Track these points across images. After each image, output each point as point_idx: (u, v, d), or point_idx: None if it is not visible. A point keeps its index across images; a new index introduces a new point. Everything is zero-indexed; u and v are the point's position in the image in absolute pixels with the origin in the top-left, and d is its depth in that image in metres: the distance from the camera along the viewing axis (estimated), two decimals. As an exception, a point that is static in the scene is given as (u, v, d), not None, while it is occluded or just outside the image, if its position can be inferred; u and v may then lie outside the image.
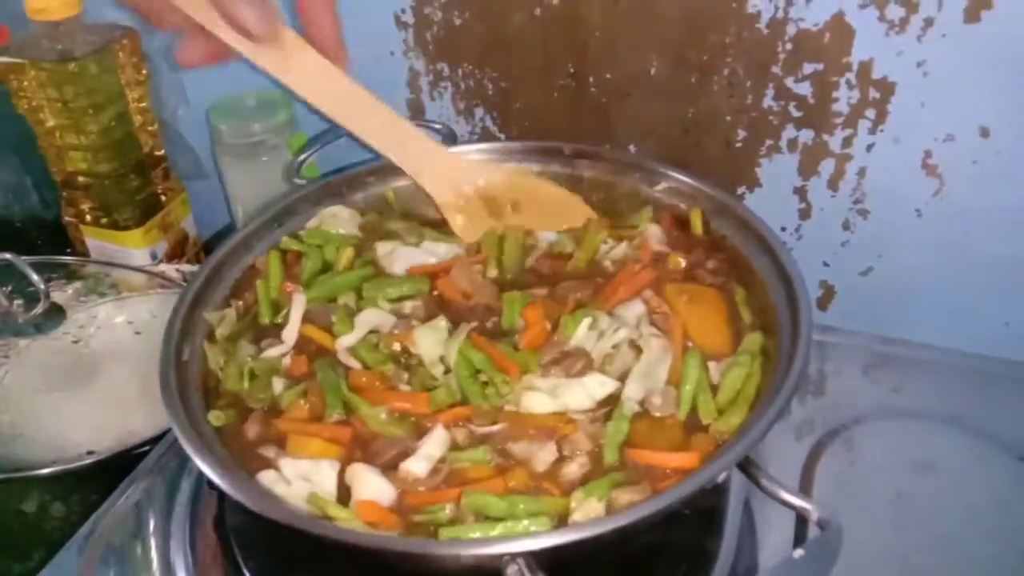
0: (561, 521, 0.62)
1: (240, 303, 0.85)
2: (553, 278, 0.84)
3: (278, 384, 0.76)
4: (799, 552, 0.52)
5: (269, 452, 0.71)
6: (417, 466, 0.67)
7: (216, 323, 0.82)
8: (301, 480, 0.68)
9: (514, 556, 0.52)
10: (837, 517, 0.54)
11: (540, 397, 0.70)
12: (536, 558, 0.52)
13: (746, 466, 0.57)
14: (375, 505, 0.65)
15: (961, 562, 0.74)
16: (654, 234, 0.87)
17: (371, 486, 0.66)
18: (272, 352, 0.79)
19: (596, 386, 0.71)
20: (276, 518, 0.58)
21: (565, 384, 0.71)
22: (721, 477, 0.57)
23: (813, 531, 0.55)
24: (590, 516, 0.61)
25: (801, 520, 0.74)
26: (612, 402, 0.71)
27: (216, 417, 0.73)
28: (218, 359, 0.78)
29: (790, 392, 0.60)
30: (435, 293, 0.83)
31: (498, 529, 0.60)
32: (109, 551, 0.80)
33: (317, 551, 0.70)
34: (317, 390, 0.74)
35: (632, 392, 0.70)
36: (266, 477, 0.69)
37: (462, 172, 0.91)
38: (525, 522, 0.61)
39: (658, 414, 0.70)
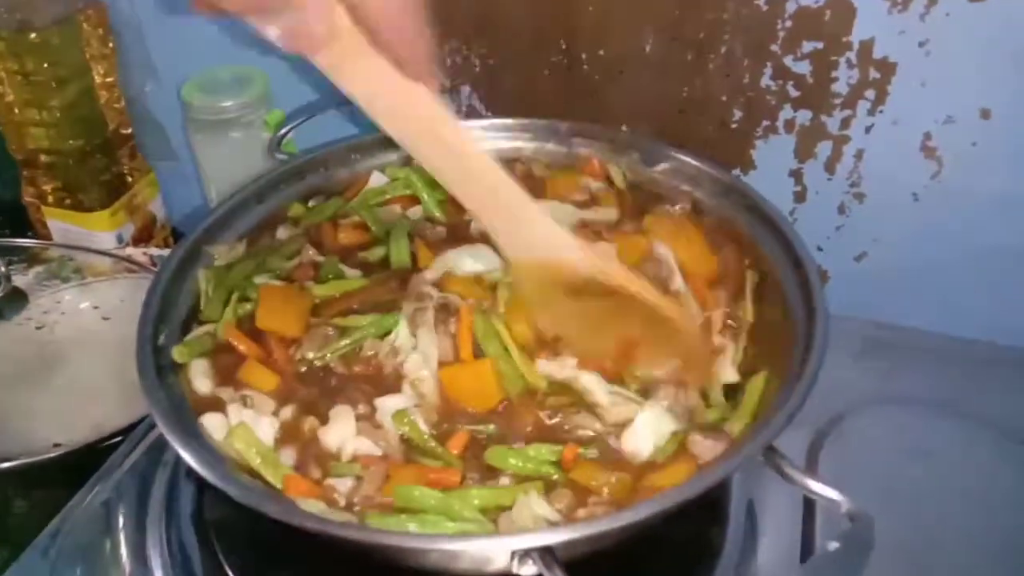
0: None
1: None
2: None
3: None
4: (834, 545, 0.49)
5: (224, 393, 0.70)
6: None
7: (222, 255, 0.80)
8: None
9: (528, 551, 0.49)
10: (867, 508, 0.51)
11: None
12: (552, 552, 0.49)
13: (770, 454, 0.54)
14: (300, 480, 0.63)
15: (970, 550, 0.73)
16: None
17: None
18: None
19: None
20: (266, 512, 0.54)
21: None
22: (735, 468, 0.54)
23: (843, 523, 0.52)
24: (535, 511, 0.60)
25: (808, 512, 0.73)
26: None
27: (180, 353, 0.71)
28: (207, 286, 0.77)
29: (812, 375, 0.58)
30: None
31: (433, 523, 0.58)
32: (79, 549, 0.76)
33: (303, 544, 0.66)
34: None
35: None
36: (211, 420, 0.67)
37: (553, 248, 0.69)
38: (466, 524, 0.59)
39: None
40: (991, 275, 0.95)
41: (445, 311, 0.73)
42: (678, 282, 0.74)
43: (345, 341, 0.72)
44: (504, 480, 0.63)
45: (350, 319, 0.74)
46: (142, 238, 1.20)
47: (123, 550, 0.76)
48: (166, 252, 1.15)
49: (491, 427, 0.67)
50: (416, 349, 0.70)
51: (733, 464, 0.54)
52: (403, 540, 0.54)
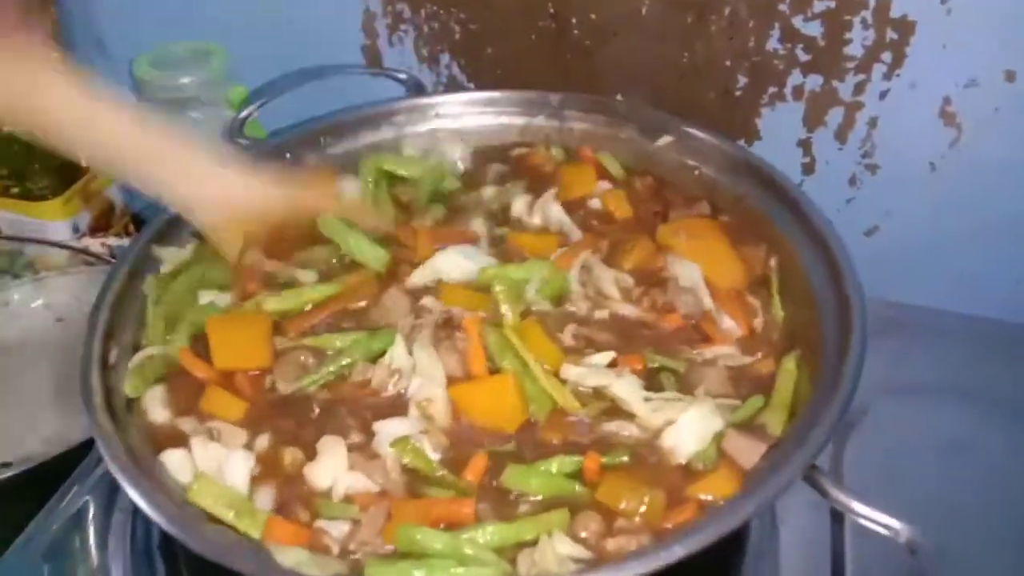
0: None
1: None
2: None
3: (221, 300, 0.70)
4: (895, 588, 0.43)
5: (186, 424, 0.62)
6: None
7: (169, 258, 0.73)
8: (212, 469, 0.59)
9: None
10: (928, 537, 0.45)
11: None
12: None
13: (811, 472, 0.48)
14: (284, 524, 0.56)
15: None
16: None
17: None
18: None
19: None
20: (239, 570, 0.47)
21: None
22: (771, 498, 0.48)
23: (901, 552, 0.46)
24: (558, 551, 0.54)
25: (836, 521, 0.67)
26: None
27: (132, 387, 0.64)
28: (154, 293, 0.70)
29: (852, 382, 0.51)
30: None
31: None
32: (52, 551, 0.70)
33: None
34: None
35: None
36: (172, 458, 0.59)
37: (238, 197, 0.71)
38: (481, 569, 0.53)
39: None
40: (1012, 249, 0.91)
41: (447, 326, 0.66)
42: (707, 303, 0.69)
43: (328, 368, 0.64)
44: (524, 507, 0.57)
45: (324, 339, 0.66)
46: (100, 227, 1.13)
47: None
48: (126, 242, 1.08)
49: (510, 445, 0.61)
50: (416, 370, 0.63)
51: (767, 494, 0.48)
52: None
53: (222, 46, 1.00)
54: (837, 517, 0.66)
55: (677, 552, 0.45)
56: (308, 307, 0.69)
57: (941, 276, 0.93)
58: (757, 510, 0.48)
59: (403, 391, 0.63)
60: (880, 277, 0.93)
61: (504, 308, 0.66)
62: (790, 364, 0.63)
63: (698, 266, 0.70)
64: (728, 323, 0.68)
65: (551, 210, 0.78)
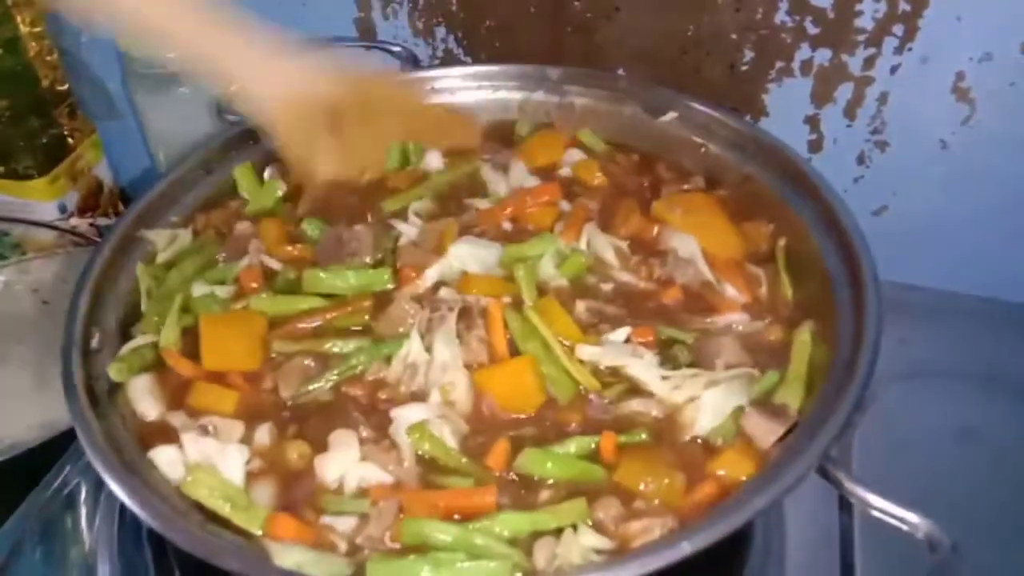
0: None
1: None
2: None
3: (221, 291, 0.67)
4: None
5: (176, 419, 0.60)
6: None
7: (163, 245, 0.71)
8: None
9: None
10: (947, 533, 0.43)
11: None
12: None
13: (827, 466, 0.46)
14: (288, 521, 0.54)
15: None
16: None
17: None
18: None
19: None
20: (231, 568, 0.45)
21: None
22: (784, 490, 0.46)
23: (921, 547, 0.44)
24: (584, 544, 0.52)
25: (845, 510, 0.65)
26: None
27: (117, 371, 0.61)
28: (149, 283, 0.68)
29: (868, 368, 0.49)
30: None
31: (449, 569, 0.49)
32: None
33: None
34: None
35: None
36: (162, 456, 0.57)
37: (294, 82, 0.73)
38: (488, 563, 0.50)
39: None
40: (1022, 229, 0.88)
41: (466, 316, 0.63)
42: (707, 273, 0.67)
43: (332, 372, 0.62)
44: (544, 494, 0.55)
45: (325, 345, 0.63)
46: (88, 207, 1.12)
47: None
48: (113, 222, 1.06)
49: (532, 430, 0.59)
50: (437, 359, 0.61)
51: (779, 488, 0.46)
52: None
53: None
54: (844, 504, 0.64)
55: (685, 549, 0.43)
56: (303, 308, 0.66)
57: (952, 257, 0.92)
58: (767, 506, 0.46)
59: (421, 387, 0.60)
60: (889, 258, 0.91)
61: (526, 289, 0.64)
62: (805, 336, 0.61)
63: (694, 238, 0.68)
64: (731, 291, 0.66)
65: (526, 181, 0.76)
